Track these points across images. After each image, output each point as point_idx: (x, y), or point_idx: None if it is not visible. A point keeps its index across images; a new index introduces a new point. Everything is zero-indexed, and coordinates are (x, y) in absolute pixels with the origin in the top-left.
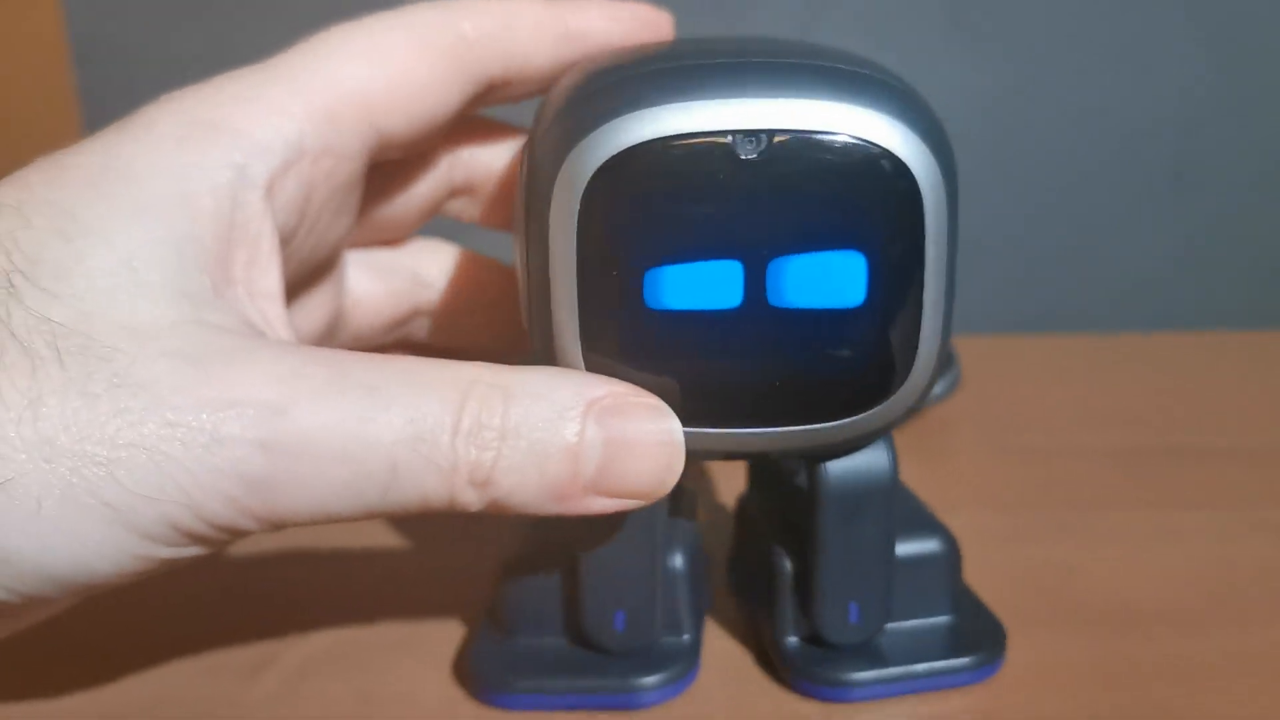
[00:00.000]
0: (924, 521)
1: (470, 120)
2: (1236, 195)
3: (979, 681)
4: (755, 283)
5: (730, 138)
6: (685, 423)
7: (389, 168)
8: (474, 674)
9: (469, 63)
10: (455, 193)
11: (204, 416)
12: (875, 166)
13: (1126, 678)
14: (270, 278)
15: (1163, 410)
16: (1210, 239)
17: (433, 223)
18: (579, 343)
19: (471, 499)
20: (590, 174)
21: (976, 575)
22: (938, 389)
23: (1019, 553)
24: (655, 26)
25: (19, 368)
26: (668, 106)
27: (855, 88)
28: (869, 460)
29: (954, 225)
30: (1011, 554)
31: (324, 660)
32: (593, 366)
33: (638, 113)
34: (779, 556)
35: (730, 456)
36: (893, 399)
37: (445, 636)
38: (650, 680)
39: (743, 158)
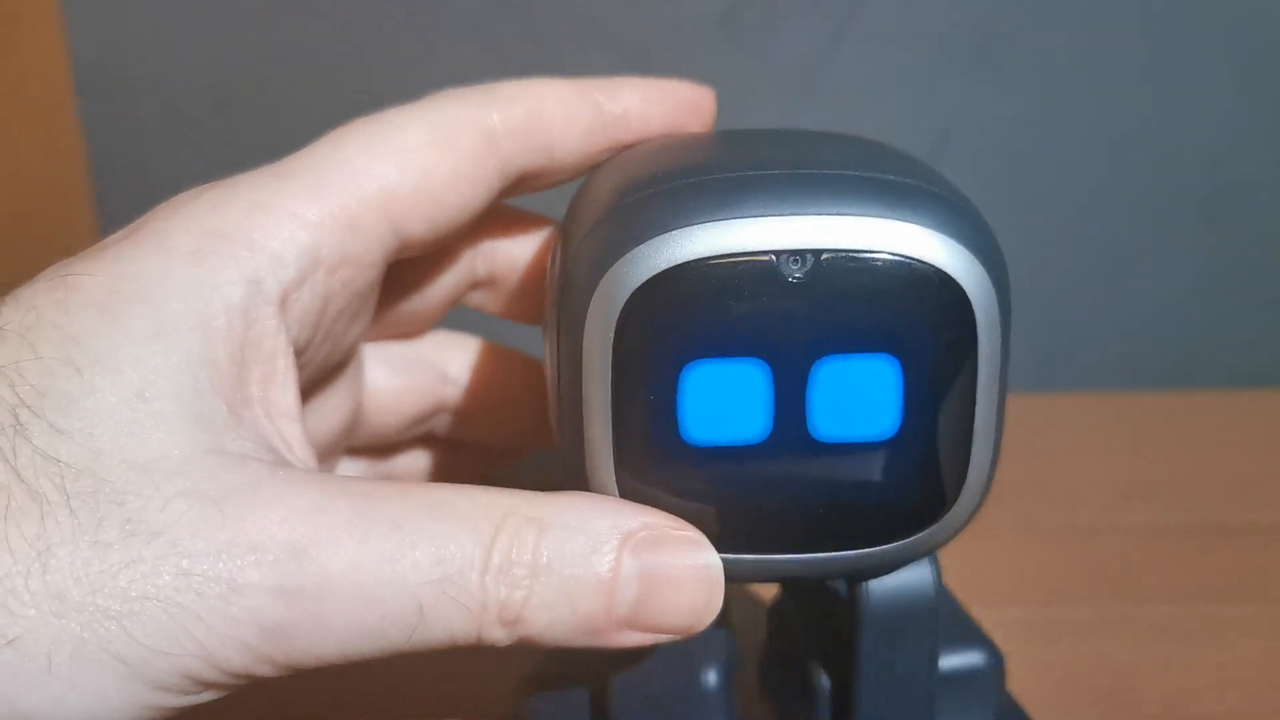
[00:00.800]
0: (967, 631)
1: (492, 209)
2: (1264, 228)
3: None
4: (795, 410)
5: (774, 257)
6: (722, 549)
7: (408, 263)
8: None
9: (497, 158)
10: (477, 285)
11: (221, 564)
12: (924, 285)
13: None
14: (287, 395)
15: (1204, 480)
16: (1237, 273)
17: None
18: (613, 465)
19: (500, 636)
20: (629, 294)
21: (1018, 677)
22: None
23: (1063, 652)
24: (695, 107)
25: (27, 514)
26: (710, 224)
27: (903, 201)
28: (913, 578)
29: (1007, 340)
30: (1055, 653)
31: None
32: (625, 488)
33: (679, 230)
34: (816, 672)
35: (770, 580)
36: (941, 522)
37: None
38: None
39: (788, 279)
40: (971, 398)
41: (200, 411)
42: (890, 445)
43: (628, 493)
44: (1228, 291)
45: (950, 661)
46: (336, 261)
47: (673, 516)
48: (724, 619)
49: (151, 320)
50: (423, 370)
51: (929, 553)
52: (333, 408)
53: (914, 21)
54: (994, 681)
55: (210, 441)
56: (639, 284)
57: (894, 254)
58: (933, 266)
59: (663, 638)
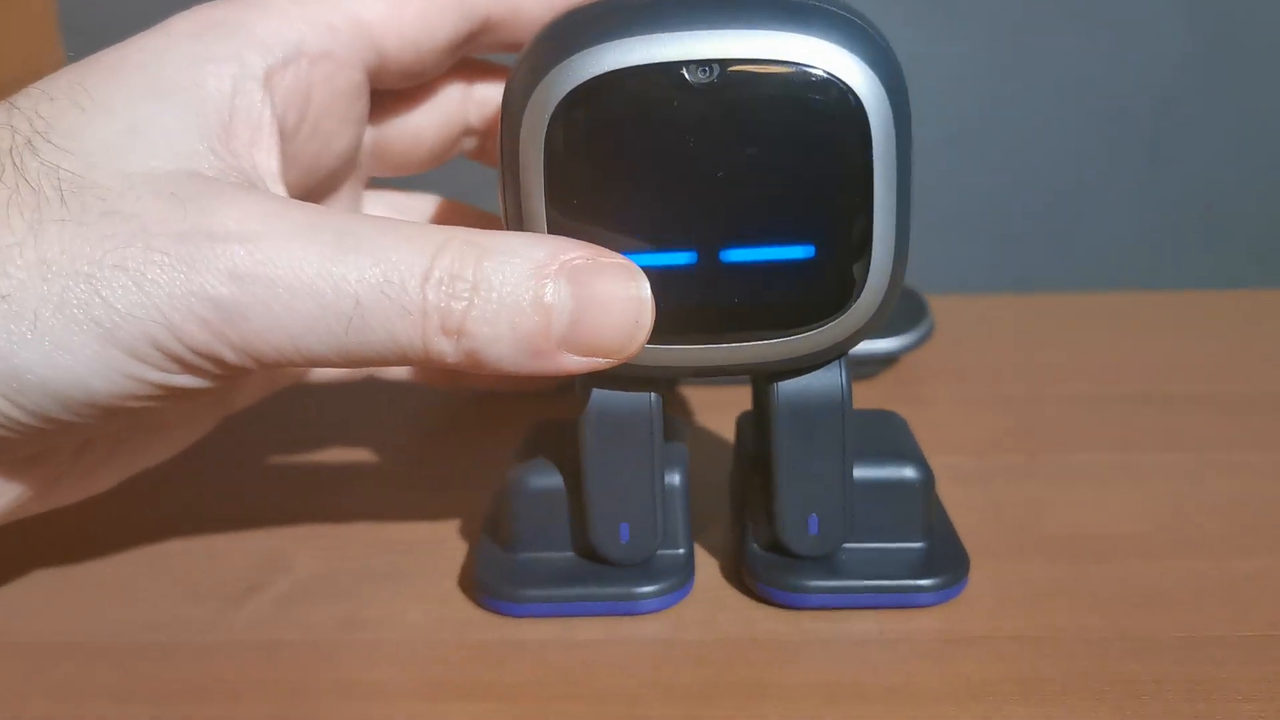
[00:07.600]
0: (907, 453)
1: (483, 64)
2: (1210, 167)
3: (939, 603)
4: (710, 223)
5: (683, 67)
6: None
7: (401, 97)
8: (481, 585)
9: None
10: (468, 131)
11: (181, 246)
12: (819, 90)
13: (1086, 600)
14: (271, 159)
15: (1132, 363)
16: (1184, 210)
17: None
18: None
19: (446, 348)
20: (555, 104)
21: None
22: (910, 338)
23: (987, 491)
24: None
25: (27, 203)
26: (627, 40)
27: (801, 18)
28: (822, 380)
29: (905, 148)
30: (979, 492)
31: (310, 588)
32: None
33: (599, 46)
34: (753, 477)
35: (694, 373)
36: (843, 317)
37: (428, 568)
38: (652, 589)
39: (694, 85)
40: (870, 199)
41: (184, 147)
42: (798, 239)
43: None
44: (1173, 225)
45: (883, 473)
46: (317, 54)
47: (608, 250)
48: (683, 438)
49: (148, 81)
50: (420, 217)
51: (838, 350)
52: None
53: None
54: (923, 494)
55: (189, 165)
56: (564, 94)
57: (790, 62)
58: (826, 72)
59: (599, 362)
